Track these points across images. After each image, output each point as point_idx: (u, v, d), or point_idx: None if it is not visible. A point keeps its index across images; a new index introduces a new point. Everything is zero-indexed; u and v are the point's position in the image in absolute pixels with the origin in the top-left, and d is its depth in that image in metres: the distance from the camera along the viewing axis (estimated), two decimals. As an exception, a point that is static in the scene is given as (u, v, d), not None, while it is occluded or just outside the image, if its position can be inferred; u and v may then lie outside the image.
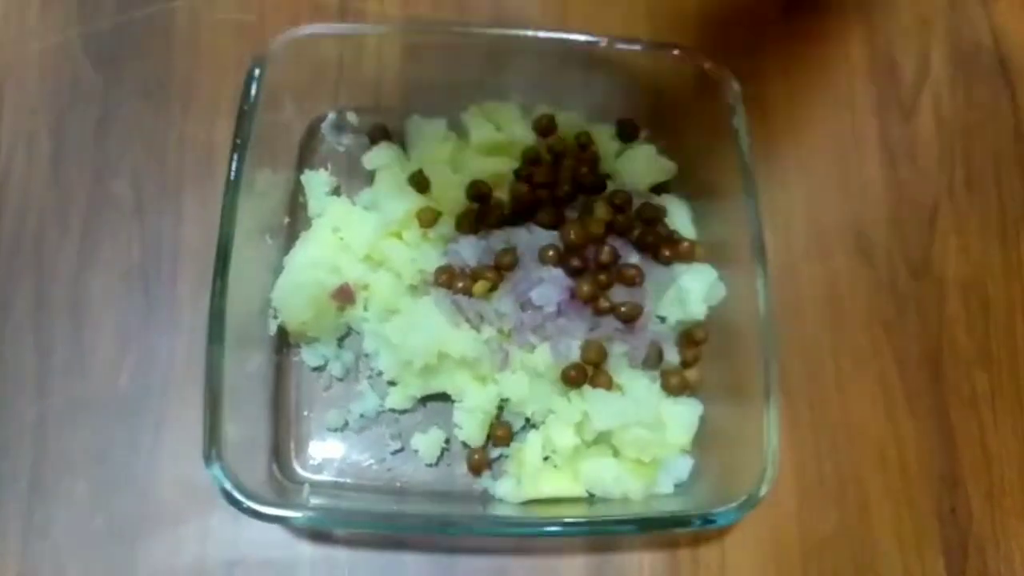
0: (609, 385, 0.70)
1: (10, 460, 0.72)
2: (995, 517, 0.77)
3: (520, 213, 0.74)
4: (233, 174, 0.68)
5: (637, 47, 0.78)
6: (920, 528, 0.76)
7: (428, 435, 0.73)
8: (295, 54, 0.74)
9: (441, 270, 0.72)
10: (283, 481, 0.71)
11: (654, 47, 0.79)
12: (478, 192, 0.74)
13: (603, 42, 0.78)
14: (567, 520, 0.67)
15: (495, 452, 0.74)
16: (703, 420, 0.72)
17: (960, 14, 0.94)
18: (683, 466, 0.72)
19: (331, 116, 0.81)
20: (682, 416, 0.71)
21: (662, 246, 0.74)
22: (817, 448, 0.77)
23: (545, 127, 0.78)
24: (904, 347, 0.81)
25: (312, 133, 0.81)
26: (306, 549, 0.71)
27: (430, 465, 0.73)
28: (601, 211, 0.73)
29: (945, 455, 0.79)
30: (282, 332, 0.74)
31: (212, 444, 0.62)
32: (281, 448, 0.73)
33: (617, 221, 0.73)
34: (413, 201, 0.74)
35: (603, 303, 0.71)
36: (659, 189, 0.81)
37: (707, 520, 0.64)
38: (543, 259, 0.71)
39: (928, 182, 0.88)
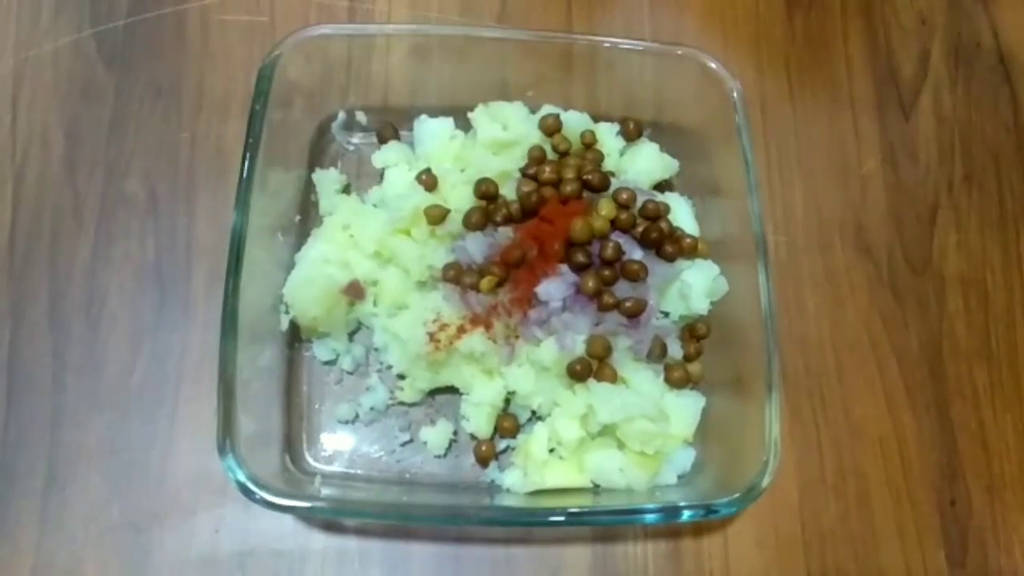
0: (613, 378, 0.71)
1: (26, 454, 0.73)
2: (995, 510, 0.78)
3: (526, 210, 0.75)
4: (245, 173, 0.69)
5: (640, 46, 0.79)
6: (921, 520, 0.77)
7: (436, 427, 0.74)
8: (305, 54, 0.76)
9: (449, 266, 0.73)
10: (295, 473, 0.72)
11: (657, 46, 0.80)
12: (485, 190, 0.75)
13: (607, 42, 0.79)
14: (572, 510, 0.67)
15: (502, 444, 0.75)
16: (706, 413, 0.73)
17: (960, 12, 0.95)
18: (686, 458, 0.73)
19: (341, 115, 0.82)
20: (685, 409, 0.72)
21: (665, 242, 0.75)
22: (818, 441, 0.78)
23: (551, 126, 0.78)
24: (904, 342, 0.82)
25: (322, 132, 0.82)
26: (317, 539, 0.72)
27: (438, 457, 0.74)
28: (605, 208, 0.74)
29: (945, 449, 0.79)
30: (294, 327, 0.75)
31: (225, 436, 0.63)
32: (293, 440, 0.74)
33: (621, 218, 0.74)
34: (421, 199, 0.74)
35: (607, 298, 0.71)
36: (662, 186, 0.82)
37: (710, 511, 0.65)
38: (549, 255, 0.72)
39: (928, 179, 0.88)
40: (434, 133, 0.80)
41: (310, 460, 0.74)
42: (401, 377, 0.75)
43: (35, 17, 0.85)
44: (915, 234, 0.86)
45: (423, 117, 0.81)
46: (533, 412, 0.75)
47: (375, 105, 0.83)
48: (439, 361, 0.72)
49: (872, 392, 0.80)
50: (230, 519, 0.72)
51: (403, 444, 0.75)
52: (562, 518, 0.67)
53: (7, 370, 0.75)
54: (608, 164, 0.80)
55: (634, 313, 0.72)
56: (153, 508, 0.72)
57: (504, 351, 0.72)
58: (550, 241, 0.72)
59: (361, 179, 0.82)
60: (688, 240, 0.76)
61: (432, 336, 0.71)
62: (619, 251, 0.72)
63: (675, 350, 0.75)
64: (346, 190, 0.81)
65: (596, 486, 0.72)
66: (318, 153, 0.82)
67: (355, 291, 0.74)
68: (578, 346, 0.71)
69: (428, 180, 0.76)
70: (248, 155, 0.69)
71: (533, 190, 0.75)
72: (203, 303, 0.77)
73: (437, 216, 0.74)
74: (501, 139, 0.78)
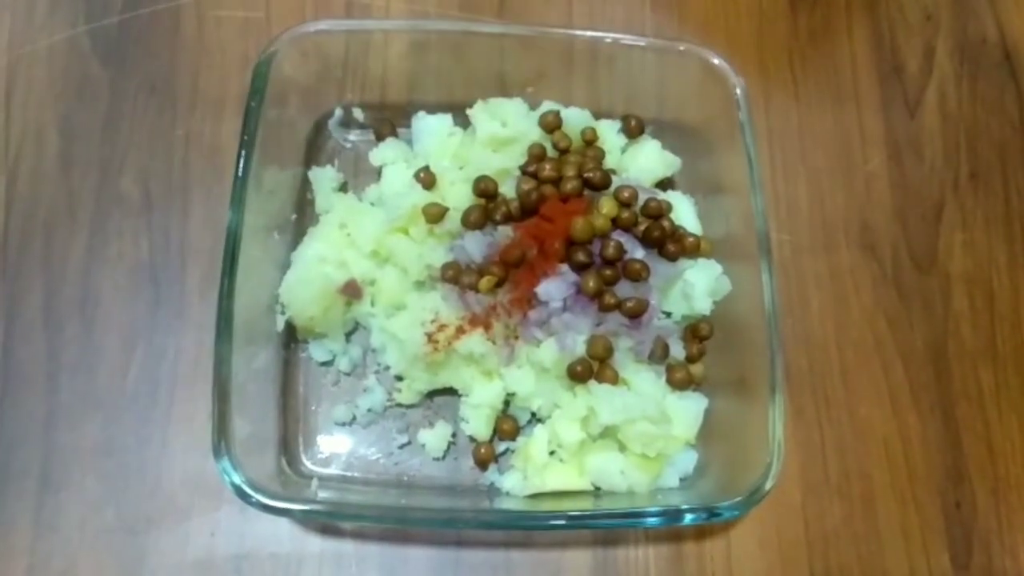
0: (615, 380, 0.70)
1: (20, 455, 0.72)
2: (1000, 512, 0.78)
3: (526, 209, 0.74)
4: (241, 171, 0.68)
5: (642, 42, 0.79)
6: (925, 523, 0.76)
7: (435, 429, 0.74)
8: (301, 50, 0.75)
9: (447, 266, 0.72)
10: (291, 475, 0.71)
11: (659, 42, 0.79)
12: (484, 188, 0.74)
13: (608, 37, 0.78)
14: (573, 514, 0.67)
15: (501, 446, 0.74)
16: (708, 414, 0.72)
17: (965, 8, 0.94)
18: (688, 460, 0.73)
19: (338, 112, 0.81)
20: (687, 410, 0.71)
21: (667, 241, 0.74)
22: (822, 443, 0.78)
23: (551, 123, 0.78)
24: (909, 342, 0.82)
25: (319, 130, 0.82)
26: (314, 543, 0.71)
27: (437, 459, 0.74)
28: (607, 207, 0.73)
29: (950, 450, 0.79)
30: (290, 328, 0.75)
31: (221, 438, 0.62)
32: (289, 442, 0.73)
33: (622, 217, 0.73)
34: (419, 197, 0.74)
35: (609, 298, 0.71)
36: (664, 184, 0.82)
37: (712, 514, 0.65)
38: (549, 254, 0.72)
39: (933, 177, 0.88)
40: (432, 130, 0.79)
41: (307, 463, 0.73)
42: (399, 378, 0.75)
43: (30, 13, 0.85)
44: (920, 232, 0.86)
45: (421, 114, 0.80)
46: (533, 414, 0.74)
47: (372, 102, 0.82)
48: (437, 362, 0.71)
49: (877, 392, 0.80)
50: (226, 522, 0.71)
51: (401, 446, 0.74)
52: (562, 522, 0.67)
53: (1, 370, 0.74)
54: (609, 162, 0.79)
55: (636, 313, 0.71)
56: (148, 511, 0.71)
57: (503, 352, 0.71)
58: (550, 240, 0.72)
59: (358, 177, 0.81)
60: (690, 239, 0.76)
61: (430, 337, 0.70)
62: (620, 250, 0.72)
63: (677, 351, 0.74)
64: (343, 188, 0.81)
65: (597, 489, 0.71)
66: (315, 150, 0.81)
67: (352, 291, 0.74)
68: (579, 347, 0.70)
69: (426, 178, 0.75)
70: (243, 153, 0.69)
71: (533, 188, 0.74)
72: (198, 303, 0.77)
73: (435, 214, 0.73)
74: (500, 136, 0.77)
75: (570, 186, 0.74)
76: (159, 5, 0.86)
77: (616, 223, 0.73)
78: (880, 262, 0.84)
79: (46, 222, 0.79)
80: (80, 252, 0.78)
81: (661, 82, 0.80)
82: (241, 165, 0.68)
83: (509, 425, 0.73)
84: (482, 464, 0.73)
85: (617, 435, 0.71)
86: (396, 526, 0.72)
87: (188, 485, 0.72)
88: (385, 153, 0.79)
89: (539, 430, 0.72)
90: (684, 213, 0.79)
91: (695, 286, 0.74)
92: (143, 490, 0.72)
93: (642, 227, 0.74)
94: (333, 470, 0.73)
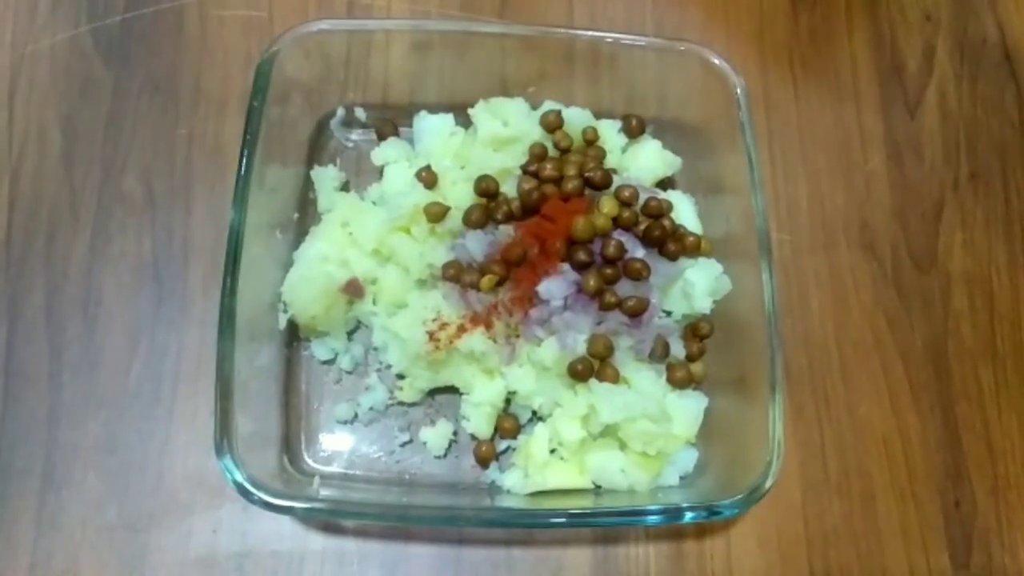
0: (615, 378, 0.70)
1: (23, 453, 0.72)
2: (1000, 511, 0.78)
3: (527, 208, 0.74)
4: (243, 170, 0.68)
5: (643, 42, 0.79)
6: (925, 521, 0.77)
7: (436, 427, 0.74)
8: (304, 50, 0.75)
9: (449, 264, 0.73)
10: (293, 473, 0.71)
11: (660, 42, 0.79)
12: (485, 187, 0.74)
13: (609, 37, 0.78)
14: (573, 512, 0.67)
15: (502, 444, 0.74)
16: (708, 413, 0.72)
17: (965, 8, 0.94)
18: (688, 459, 0.73)
19: (340, 112, 0.81)
20: (688, 409, 0.71)
21: (668, 240, 0.74)
22: (822, 441, 0.78)
23: (552, 122, 0.78)
24: (909, 341, 0.82)
25: (321, 129, 0.82)
26: (316, 540, 0.72)
27: (438, 457, 0.74)
28: (607, 206, 0.73)
29: (950, 449, 0.79)
30: (292, 326, 0.75)
31: (223, 436, 0.63)
32: (291, 440, 0.73)
33: (623, 216, 0.73)
34: (421, 196, 0.74)
35: (609, 297, 0.71)
36: (665, 184, 0.82)
37: (712, 512, 0.65)
38: (550, 254, 0.72)
39: (933, 176, 0.88)
40: (434, 129, 0.79)
41: (308, 460, 0.73)
42: (400, 377, 0.75)
43: (32, 12, 0.85)
44: (920, 232, 0.86)
45: (423, 113, 0.80)
46: (534, 412, 0.74)
47: (374, 101, 0.82)
48: (439, 361, 0.71)
49: (876, 391, 0.80)
50: (228, 520, 0.71)
51: (402, 444, 0.74)
52: (563, 520, 0.67)
53: (4, 369, 0.74)
54: (610, 161, 0.79)
55: (636, 312, 0.71)
56: (150, 508, 0.71)
57: (505, 351, 0.72)
58: (551, 239, 0.72)
59: (360, 176, 0.82)
60: (691, 238, 0.76)
61: (432, 335, 0.70)
62: (621, 249, 0.72)
63: (677, 349, 0.74)
64: (345, 187, 0.81)
65: (598, 487, 0.71)
66: (317, 150, 0.82)
67: (354, 289, 0.74)
68: (579, 345, 0.70)
69: (428, 177, 0.75)
70: (246, 152, 0.69)
71: (534, 187, 0.74)
72: (200, 301, 0.77)
73: (437, 214, 0.73)
74: (502, 136, 0.77)
75: (571, 185, 0.74)
76: (162, 4, 0.86)
77: (617, 222, 0.73)
78: (880, 261, 0.84)
79: (49, 221, 0.79)
80: (83, 250, 0.78)
81: (662, 82, 0.81)
82: (243, 164, 0.69)
83: (510, 423, 0.73)
84: (483, 462, 0.73)
85: (618, 433, 0.71)
86: (398, 524, 0.72)
87: (190, 483, 0.72)
88: (387, 152, 0.79)
89: (540, 428, 0.72)
90: (684, 212, 0.79)
91: (695, 285, 0.74)
92: (145, 488, 0.72)
93: (643, 226, 0.74)
94: (335, 468, 0.73)
